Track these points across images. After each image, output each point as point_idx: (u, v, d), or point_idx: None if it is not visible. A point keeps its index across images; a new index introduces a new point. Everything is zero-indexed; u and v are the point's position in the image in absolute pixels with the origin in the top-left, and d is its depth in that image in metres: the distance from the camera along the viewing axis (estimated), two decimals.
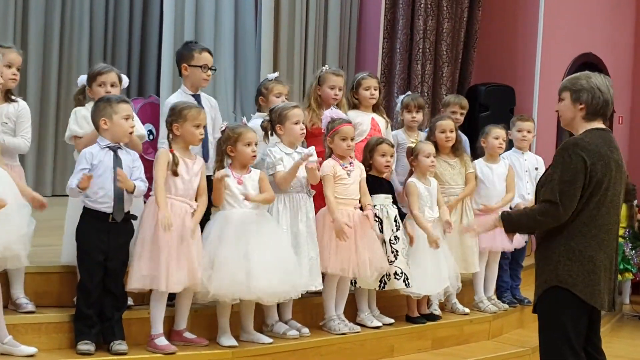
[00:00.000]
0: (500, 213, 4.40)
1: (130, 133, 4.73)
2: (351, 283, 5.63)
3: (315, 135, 5.83)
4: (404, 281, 5.74)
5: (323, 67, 6.09)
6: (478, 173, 6.46)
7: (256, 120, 5.64)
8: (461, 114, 6.84)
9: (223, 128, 5.12)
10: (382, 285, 5.72)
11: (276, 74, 6.05)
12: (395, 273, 5.71)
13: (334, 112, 5.74)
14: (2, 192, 4.24)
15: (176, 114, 4.86)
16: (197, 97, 5.34)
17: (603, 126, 4.23)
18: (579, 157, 4.05)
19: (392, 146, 5.83)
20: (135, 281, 4.71)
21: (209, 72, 5.38)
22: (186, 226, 4.77)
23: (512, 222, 4.33)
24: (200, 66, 5.32)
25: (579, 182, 4.05)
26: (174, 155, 4.81)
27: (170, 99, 5.29)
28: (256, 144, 5.07)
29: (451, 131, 6.32)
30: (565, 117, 4.27)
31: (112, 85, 4.98)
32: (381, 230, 5.69)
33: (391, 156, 5.79)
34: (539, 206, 4.20)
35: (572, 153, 4.07)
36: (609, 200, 4.12)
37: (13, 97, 4.90)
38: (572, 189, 4.05)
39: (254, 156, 5.07)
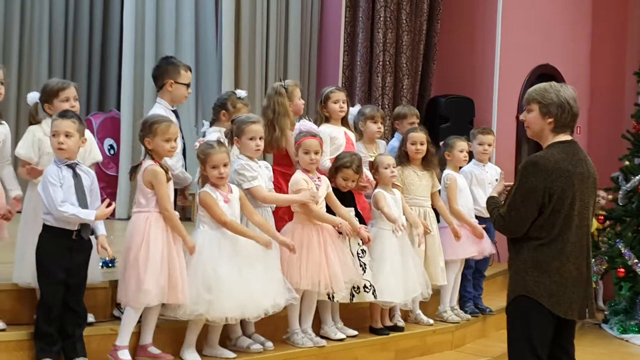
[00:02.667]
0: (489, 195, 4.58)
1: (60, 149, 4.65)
2: (329, 298, 5.60)
3: None
4: (372, 293, 5.76)
5: (281, 82, 6.02)
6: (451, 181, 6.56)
7: (212, 135, 5.57)
8: (418, 124, 6.89)
9: (197, 146, 5.09)
10: (351, 297, 5.72)
11: (245, 93, 5.99)
12: (365, 286, 5.72)
13: (302, 125, 5.72)
14: None
15: (147, 128, 4.86)
16: (175, 112, 5.45)
17: (569, 138, 4.28)
18: (534, 177, 4.10)
19: (358, 169, 5.80)
20: (143, 297, 4.65)
21: (189, 90, 5.51)
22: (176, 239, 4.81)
23: (488, 208, 4.50)
24: (187, 84, 5.42)
25: (531, 202, 4.11)
26: (160, 165, 4.82)
27: (154, 112, 5.27)
28: (225, 165, 5.00)
29: (422, 143, 6.36)
30: (533, 129, 4.30)
31: (75, 99, 4.98)
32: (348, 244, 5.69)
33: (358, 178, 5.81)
34: (497, 217, 4.30)
35: (529, 173, 4.13)
36: (577, 213, 4.16)
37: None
38: (522, 208, 4.14)
39: (220, 178, 4.99)
